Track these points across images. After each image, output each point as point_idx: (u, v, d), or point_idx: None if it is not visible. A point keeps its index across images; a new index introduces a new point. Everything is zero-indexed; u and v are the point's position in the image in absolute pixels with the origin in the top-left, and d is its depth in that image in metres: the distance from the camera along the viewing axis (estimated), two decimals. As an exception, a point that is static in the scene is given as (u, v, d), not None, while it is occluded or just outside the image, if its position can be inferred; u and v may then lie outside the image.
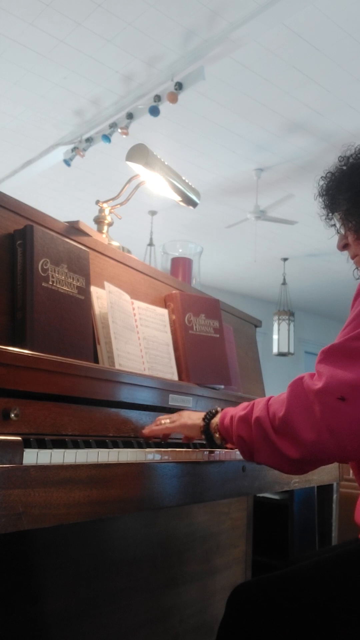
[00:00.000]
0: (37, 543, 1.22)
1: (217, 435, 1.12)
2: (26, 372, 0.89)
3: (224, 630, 1.06)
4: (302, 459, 0.95)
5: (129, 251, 1.63)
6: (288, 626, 1.00)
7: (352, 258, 1.23)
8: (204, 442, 1.17)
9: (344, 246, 1.23)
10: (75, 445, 0.89)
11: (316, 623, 0.99)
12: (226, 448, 1.19)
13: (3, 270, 1.07)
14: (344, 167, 1.19)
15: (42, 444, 0.83)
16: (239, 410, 1.07)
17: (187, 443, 1.24)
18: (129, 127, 4.04)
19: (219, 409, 1.16)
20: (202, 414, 1.17)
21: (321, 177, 1.22)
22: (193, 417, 1.18)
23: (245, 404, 1.09)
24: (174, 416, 1.20)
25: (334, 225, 1.24)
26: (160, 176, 1.66)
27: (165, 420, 1.19)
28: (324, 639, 0.99)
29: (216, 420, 1.13)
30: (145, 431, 1.19)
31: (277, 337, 7.41)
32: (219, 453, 1.22)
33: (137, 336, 1.36)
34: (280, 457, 0.97)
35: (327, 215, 1.23)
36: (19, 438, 0.76)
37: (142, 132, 4.18)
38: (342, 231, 1.21)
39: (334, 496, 1.82)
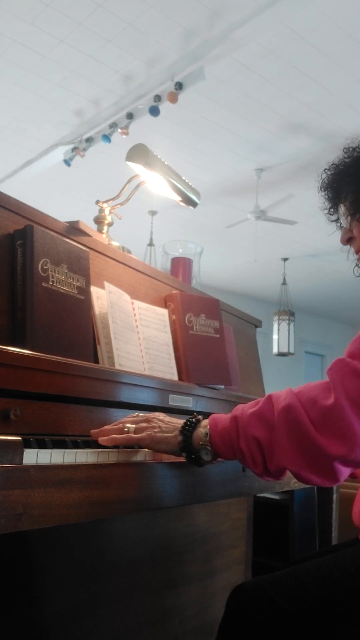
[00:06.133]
0: (36, 544, 1.22)
1: (207, 448, 0.92)
2: (26, 372, 0.89)
3: (224, 630, 1.06)
4: (347, 456, 0.81)
5: (129, 251, 1.63)
6: (288, 627, 1.00)
7: (357, 252, 1.16)
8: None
9: (348, 240, 1.17)
10: (75, 445, 0.89)
11: (316, 624, 0.99)
12: (210, 463, 0.96)
13: (3, 270, 1.07)
14: (348, 159, 1.15)
15: (42, 444, 0.83)
16: (245, 409, 0.91)
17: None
18: (129, 127, 4.04)
19: (199, 417, 0.96)
20: (177, 424, 0.96)
21: (324, 170, 1.18)
22: (166, 429, 0.95)
23: (244, 404, 0.93)
24: (142, 422, 0.97)
25: (336, 220, 1.20)
26: (160, 176, 1.66)
27: (130, 425, 0.96)
28: (324, 640, 0.98)
29: (203, 430, 0.93)
30: (103, 439, 0.93)
31: (277, 337, 7.43)
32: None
33: (137, 336, 1.36)
34: (317, 455, 0.82)
35: (330, 209, 1.19)
36: (19, 438, 0.76)
37: (142, 132, 4.18)
38: (346, 224, 1.17)
39: (334, 496, 1.81)
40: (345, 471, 0.85)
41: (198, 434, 0.93)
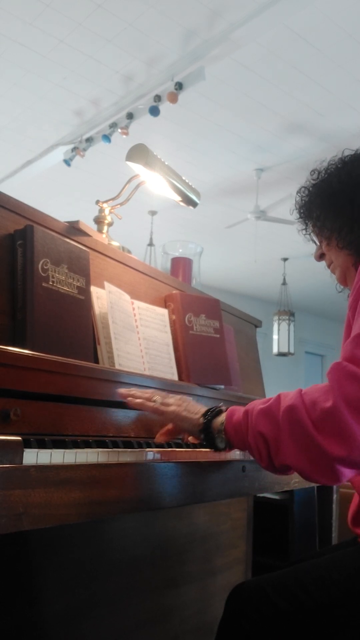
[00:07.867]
0: (36, 544, 1.22)
1: (221, 436, 0.99)
2: (26, 372, 0.89)
3: (223, 630, 1.07)
4: (347, 458, 0.83)
5: (129, 251, 1.63)
6: (286, 627, 1.00)
7: (329, 267, 1.25)
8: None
9: (320, 256, 1.25)
10: (75, 445, 0.89)
11: (314, 624, 0.99)
12: (224, 451, 1.04)
13: (3, 270, 1.07)
14: (315, 182, 1.22)
15: (42, 444, 0.83)
16: (256, 405, 0.96)
17: (186, 443, 1.24)
18: (129, 127, 4.04)
19: (223, 407, 1.03)
20: (202, 409, 1.04)
21: (297, 193, 1.25)
22: (191, 410, 1.04)
23: (258, 400, 0.98)
24: (170, 400, 1.06)
25: (313, 240, 1.27)
26: (160, 176, 1.66)
27: (158, 397, 1.05)
28: (324, 640, 0.99)
29: (221, 419, 1.01)
30: (133, 401, 1.04)
31: (277, 337, 7.42)
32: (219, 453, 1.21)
33: (137, 336, 1.36)
34: (318, 455, 0.84)
35: (305, 228, 1.26)
36: (19, 438, 0.76)
37: (142, 132, 4.17)
38: (317, 241, 1.25)
39: (334, 496, 1.82)
40: (347, 472, 0.86)
41: (216, 422, 1.01)
